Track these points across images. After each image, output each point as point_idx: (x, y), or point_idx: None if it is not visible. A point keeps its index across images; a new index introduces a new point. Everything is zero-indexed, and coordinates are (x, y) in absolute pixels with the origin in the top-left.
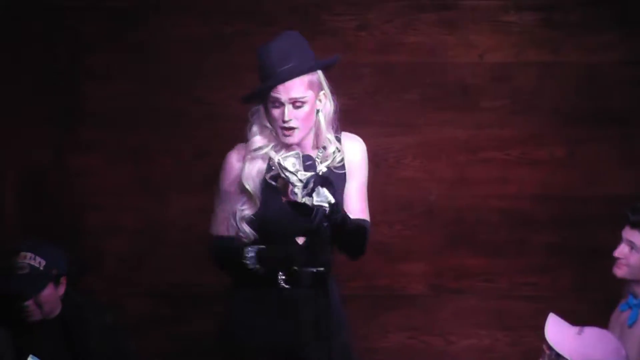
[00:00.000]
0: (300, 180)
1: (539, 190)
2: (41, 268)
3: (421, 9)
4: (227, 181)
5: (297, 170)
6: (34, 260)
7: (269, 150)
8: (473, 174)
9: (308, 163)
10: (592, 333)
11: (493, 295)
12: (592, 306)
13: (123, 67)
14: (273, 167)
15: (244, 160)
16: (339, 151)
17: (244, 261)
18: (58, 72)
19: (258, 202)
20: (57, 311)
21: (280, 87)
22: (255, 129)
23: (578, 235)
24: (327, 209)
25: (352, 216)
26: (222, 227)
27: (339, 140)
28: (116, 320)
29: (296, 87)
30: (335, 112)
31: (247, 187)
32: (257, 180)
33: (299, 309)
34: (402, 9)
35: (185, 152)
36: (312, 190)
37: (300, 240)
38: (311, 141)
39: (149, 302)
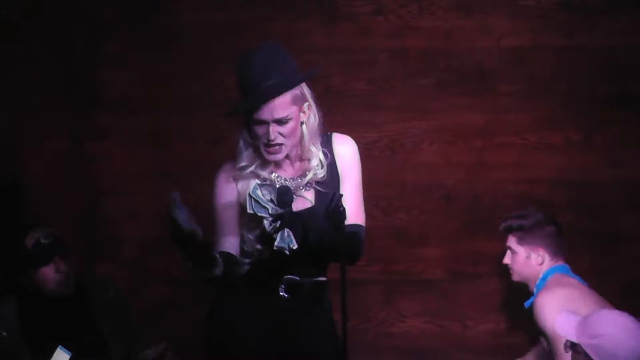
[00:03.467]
0: (270, 215)
1: (556, 175)
2: (57, 234)
3: None
4: (220, 204)
5: (269, 202)
6: (48, 231)
7: (254, 169)
8: (490, 159)
9: (284, 198)
10: (598, 314)
11: (510, 280)
12: (611, 290)
13: (141, 53)
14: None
15: (235, 180)
16: (322, 165)
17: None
18: (76, 57)
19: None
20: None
21: (264, 107)
22: (241, 144)
23: (595, 220)
24: (288, 253)
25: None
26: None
27: (329, 140)
28: (120, 293)
29: (280, 106)
30: (319, 123)
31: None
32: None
33: (297, 317)
34: None
35: (203, 138)
36: (279, 229)
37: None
38: (296, 153)
39: (168, 288)
